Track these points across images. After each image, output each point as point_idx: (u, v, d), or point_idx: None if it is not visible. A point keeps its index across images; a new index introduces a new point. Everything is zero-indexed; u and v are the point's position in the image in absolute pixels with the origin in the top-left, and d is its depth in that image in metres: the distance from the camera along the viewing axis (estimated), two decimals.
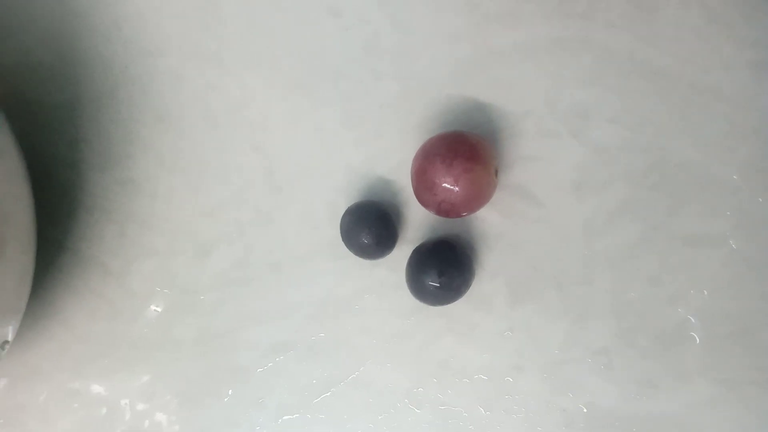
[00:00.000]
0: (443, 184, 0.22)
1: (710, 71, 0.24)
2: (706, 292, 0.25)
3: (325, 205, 0.27)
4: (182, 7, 0.28)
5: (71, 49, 0.30)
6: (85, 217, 0.30)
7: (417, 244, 0.26)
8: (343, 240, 0.25)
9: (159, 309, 0.29)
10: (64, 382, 0.30)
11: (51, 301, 0.30)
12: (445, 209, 0.23)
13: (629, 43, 0.25)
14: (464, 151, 0.22)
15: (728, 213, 0.24)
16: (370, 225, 0.24)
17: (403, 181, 0.26)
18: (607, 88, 0.25)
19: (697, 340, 0.25)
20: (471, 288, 0.26)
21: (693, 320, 0.25)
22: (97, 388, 0.30)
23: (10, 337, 0.26)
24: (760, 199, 0.24)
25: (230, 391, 0.28)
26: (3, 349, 0.26)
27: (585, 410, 0.25)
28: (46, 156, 0.30)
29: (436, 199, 0.23)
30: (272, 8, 0.28)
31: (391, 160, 0.27)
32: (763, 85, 0.24)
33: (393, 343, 0.27)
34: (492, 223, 0.26)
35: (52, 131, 0.30)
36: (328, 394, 0.27)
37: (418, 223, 0.26)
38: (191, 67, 0.28)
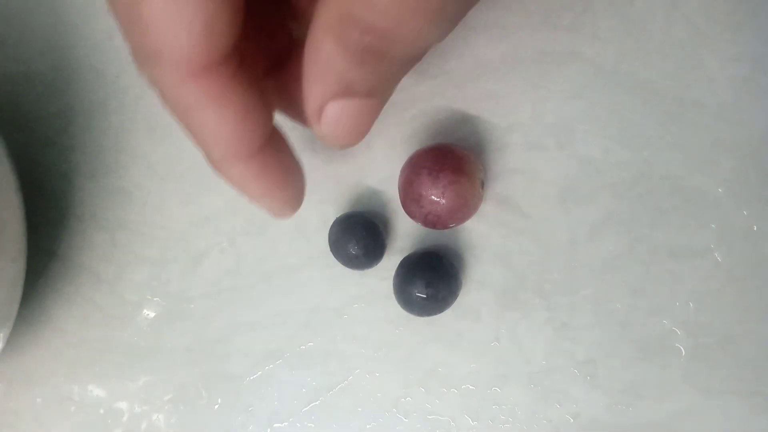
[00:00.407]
0: (430, 197, 0.23)
1: (694, 85, 0.24)
2: (691, 304, 0.25)
3: (316, 215, 0.28)
4: None
5: (63, 59, 0.30)
6: (76, 226, 0.30)
7: (405, 255, 0.26)
8: (331, 250, 0.26)
9: (151, 316, 0.30)
10: (58, 386, 0.30)
11: (43, 309, 0.31)
12: (431, 221, 0.23)
13: (615, 57, 0.25)
14: (450, 164, 0.23)
15: (713, 226, 0.25)
16: (358, 236, 0.25)
17: (391, 192, 0.27)
18: (593, 101, 0.25)
19: (683, 351, 0.25)
20: (458, 298, 0.26)
21: (678, 331, 0.25)
22: (91, 393, 0.30)
23: (0, 345, 0.26)
24: (745, 212, 0.25)
25: (219, 399, 0.29)
26: None
27: (572, 420, 0.26)
28: (37, 165, 0.30)
29: (422, 211, 0.23)
30: None
31: (380, 171, 0.27)
32: (745, 99, 0.24)
33: (381, 352, 0.27)
34: (479, 234, 0.26)
35: (43, 140, 0.30)
36: (317, 402, 0.28)
37: (406, 233, 0.27)
38: None
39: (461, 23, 0.26)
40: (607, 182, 0.25)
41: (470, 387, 0.26)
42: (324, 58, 0.15)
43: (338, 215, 0.27)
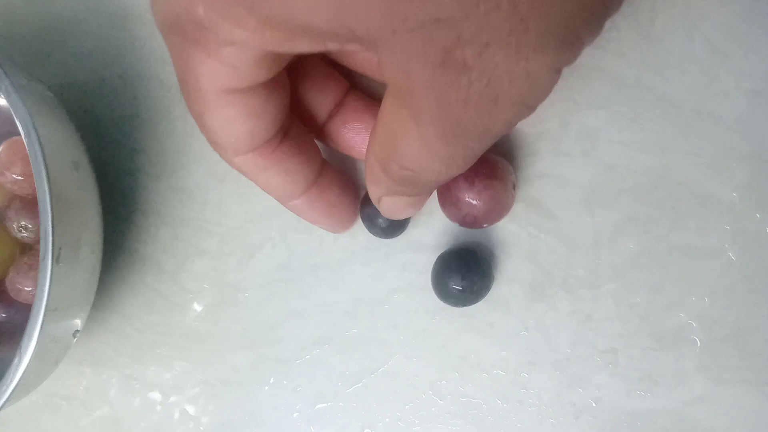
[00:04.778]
0: (466, 200, 0.25)
1: (711, 98, 0.26)
2: (706, 299, 0.27)
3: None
4: None
5: (132, 69, 0.33)
6: (142, 221, 0.33)
7: (442, 251, 0.28)
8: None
9: (209, 304, 0.33)
10: (124, 367, 0.34)
11: (111, 296, 0.34)
12: (468, 222, 0.26)
13: (637, 72, 0.27)
14: (485, 170, 0.25)
15: (727, 227, 0.27)
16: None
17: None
18: (615, 112, 0.27)
19: (698, 342, 0.27)
20: (490, 291, 0.28)
21: (694, 324, 0.27)
22: (152, 374, 0.33)
23: (80, 327, 0.29)
24: (758, 215, 0.27)
25: (272, 379, 0.32)
26: (74, 337, 0.29)
27: (594, 404, 0.28)
28: (107, 165, 0.34)
29: (460, 213, 0.26)
30: None
31: None
32: (758, 111, 0.26)
33: (419, 339, 0.30)
34: (510, 233, 0.29)
35: (112, 142, 0.34)
36: (359, 384, 0.30)
37: (443, 231, 0.29)
38: None
39: None
40: (628, 186, 0.27)
41: (500, 372, 0.29)
42: (374, 174, 0.21)
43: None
